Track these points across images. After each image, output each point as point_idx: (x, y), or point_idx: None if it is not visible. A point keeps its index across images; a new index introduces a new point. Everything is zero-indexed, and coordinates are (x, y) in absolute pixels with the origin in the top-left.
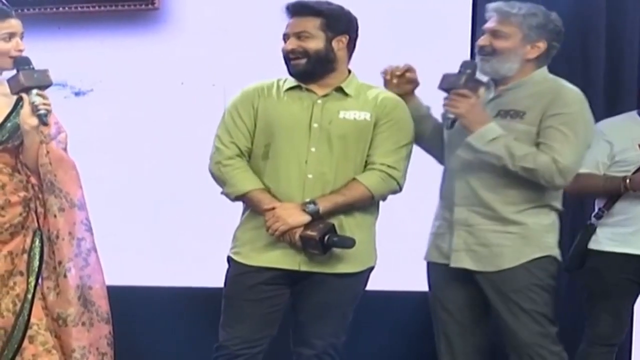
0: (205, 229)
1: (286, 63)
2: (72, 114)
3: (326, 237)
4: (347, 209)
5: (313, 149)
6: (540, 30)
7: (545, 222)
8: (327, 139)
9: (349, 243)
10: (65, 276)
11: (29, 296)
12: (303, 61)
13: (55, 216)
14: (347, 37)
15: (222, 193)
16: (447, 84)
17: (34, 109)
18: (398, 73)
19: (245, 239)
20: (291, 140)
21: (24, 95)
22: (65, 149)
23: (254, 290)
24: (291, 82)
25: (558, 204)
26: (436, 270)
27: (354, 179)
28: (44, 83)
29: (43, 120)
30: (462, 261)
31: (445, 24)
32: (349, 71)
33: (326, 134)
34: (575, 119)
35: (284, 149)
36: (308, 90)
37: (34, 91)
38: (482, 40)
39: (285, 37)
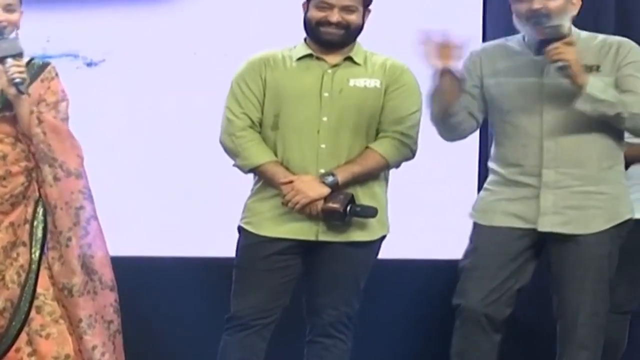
0: (217, 198)
1: (313, 29)
2: (84, 84)
3: (349, 208)
4: (364, 178)
5: (325, 119)
6: None
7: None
8: (338, 108)
9: (371, 212)
10: (67, 246)
11: (34, 266)
12: (341, 32)
13: (51, 186)
14: (369, 9)
15: (234, 165)
16: (548, 34)
17: (10, 79)
18: (441, 45)
19: (257, 209)
20: (302, 110)
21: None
22: (66, 119)
23: (267, 260)
24: (301, 50)
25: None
26: (497, 233)
27: (369, 147)
28: (12, 52)
29: (19, 89)
30: (551, 224)
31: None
32: None
33: (337, 103)
34: None
35: (295, 120)
36: (319, 59)
37: (9, 60)
38: (536, 3)
39: (326, 5)
